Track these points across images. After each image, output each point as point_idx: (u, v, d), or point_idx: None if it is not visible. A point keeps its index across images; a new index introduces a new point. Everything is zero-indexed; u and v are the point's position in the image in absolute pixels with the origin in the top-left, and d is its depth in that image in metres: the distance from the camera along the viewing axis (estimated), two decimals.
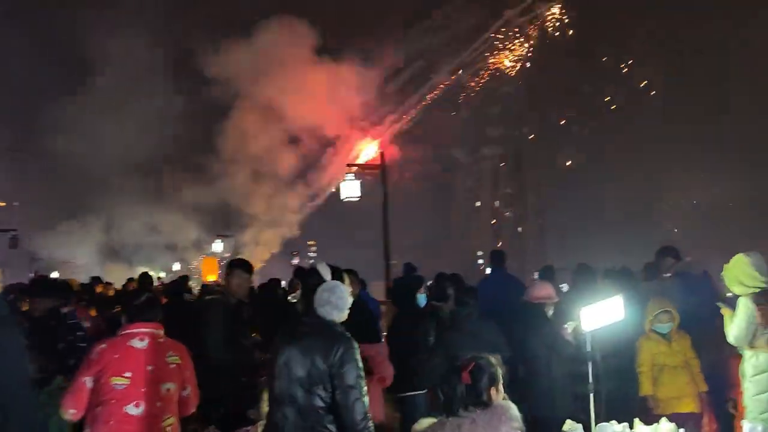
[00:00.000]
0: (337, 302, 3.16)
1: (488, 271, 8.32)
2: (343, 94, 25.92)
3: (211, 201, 27.60)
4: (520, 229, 68.89)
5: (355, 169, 14.07)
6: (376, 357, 4.37)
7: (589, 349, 4.62)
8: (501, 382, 2.73)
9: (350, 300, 3.25)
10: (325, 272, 3.31)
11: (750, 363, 4.26)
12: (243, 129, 25.94)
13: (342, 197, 14.20)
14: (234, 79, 25.10)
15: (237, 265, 5.19)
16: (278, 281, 9.33)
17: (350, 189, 13.74)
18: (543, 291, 5.28)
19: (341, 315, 3.19)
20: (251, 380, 4.69)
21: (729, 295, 7.16)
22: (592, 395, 4.57)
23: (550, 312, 5.29)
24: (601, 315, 4.56)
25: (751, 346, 4.25)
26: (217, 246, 29.76)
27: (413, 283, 5.93)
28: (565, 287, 6.47)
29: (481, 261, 65.07)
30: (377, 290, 11.93)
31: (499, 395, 2.70)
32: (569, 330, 5.28)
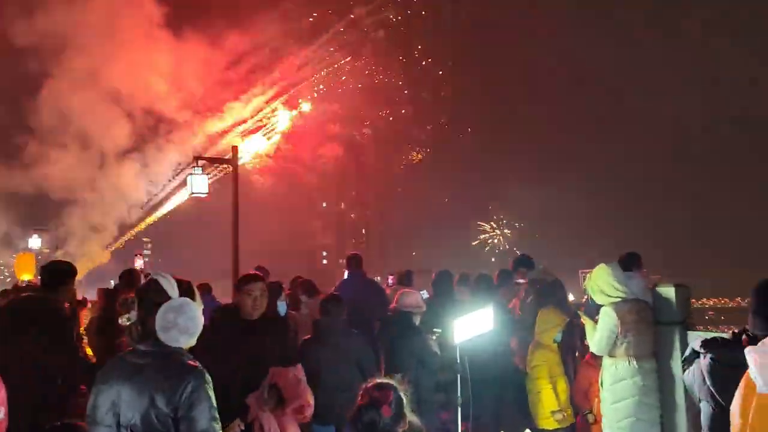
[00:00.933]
0: (186, 325, 2.47)
1: (345, 275, 7.96)
2: (190, 77, 24.16)
3: (25, 190, 24.11)
4: (363, 230, 70.32)
5: (203, 162, 13.01)
6: (291, 382, 3.50)
7: (458, 360, 4.50)
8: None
9: (201, 321, 2.55)
10: (169, 287, 2.59)
11: (609, 372, 4.36)
12: (65, 105, 22.78)
13: (190, 192, 13.05)
14: (52, 47, 22.00)
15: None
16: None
17: (198, 184, 12.69)
18: (412, 299, 5.06)
19: (190, 341, 2.51)
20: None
21: (572, 300, 7.59)
22: (459, 408, 4.46)
23: (417, 321, 5.09)
24: (471, 326, 4.46)
25: (611, 354, 4.35)
26: (34, 242, 26.34)
27: (272, 291, 5.40)
28: (424, 294, 6.33)
29: (325, 261, 65.36)
30: (224, 292, 11.13)
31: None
32: (435, 339, 5.17)
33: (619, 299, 4.34)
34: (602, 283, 4.44)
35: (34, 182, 23.40)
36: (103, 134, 23.57)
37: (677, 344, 4.32)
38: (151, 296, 2.52)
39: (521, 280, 6.48)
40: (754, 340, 2.44)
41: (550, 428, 4.96)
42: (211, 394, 2.42)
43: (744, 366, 2.38)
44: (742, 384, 1.93)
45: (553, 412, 4.91)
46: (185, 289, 2.66)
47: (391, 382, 2.51)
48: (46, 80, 22.81)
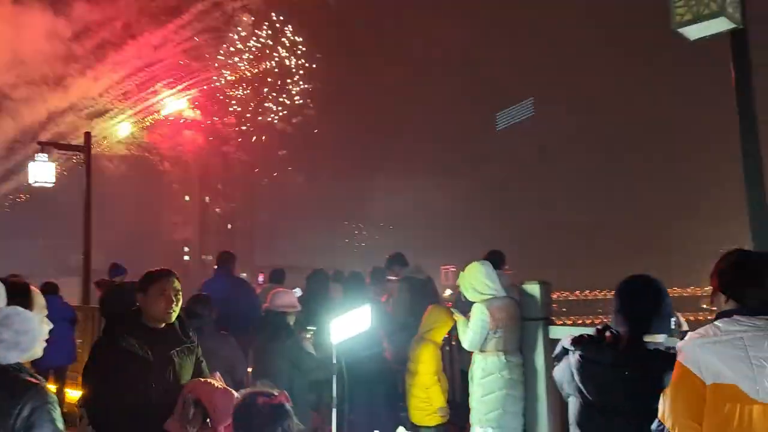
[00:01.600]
0: (16, 340, 2.13)
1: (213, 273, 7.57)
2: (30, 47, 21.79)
3: None
4: (230, 225, 68.07)
5: (49, 148, 11.72)
6: (218, 396, 2.89)
7: (335, 361, 4.41)
8: None
9: (40, 330, 2.20)
10: None
11: (479, 366, 4.51)
12: None
13: (31, 181, 11.63)
14: None
15: None
16: None
17: (41, 172, 11.38)
18: (286, 299, 4.88)
19: (24, 356, 2.16)
20: None
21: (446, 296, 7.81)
22: (334, 410, 4.37)
23: (292, 321, 4.92)
24: (348, 326, 4.39)
25: (482, 350, 4.50)
26: None
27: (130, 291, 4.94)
28: (298, 291, 6.18)
29: (187, 257, 62.36)
30: (71, 293, 10.18)
31: None
32: (309, 340, 5.05)
33: (491, 296, 4.50)
34: (475, 281, 4.57)
35: None
36: None
37: (541, 339, 4.56)
38: None
39: (393, 278, 6.56)
40: (617, 338, 2.58)
41: (433, 425, 5.00)
42: (57, 416, 2.09)
43: (608, 363, 2.51)
44: (677, 383, 1.97)
45: (440, 409, 4.97)
46: (20, 293, 2.31)
47: (266, 389, 2.38)
48: None
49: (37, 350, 2.23)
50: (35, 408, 2.03)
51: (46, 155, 11.46)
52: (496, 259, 5.38)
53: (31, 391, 2.07)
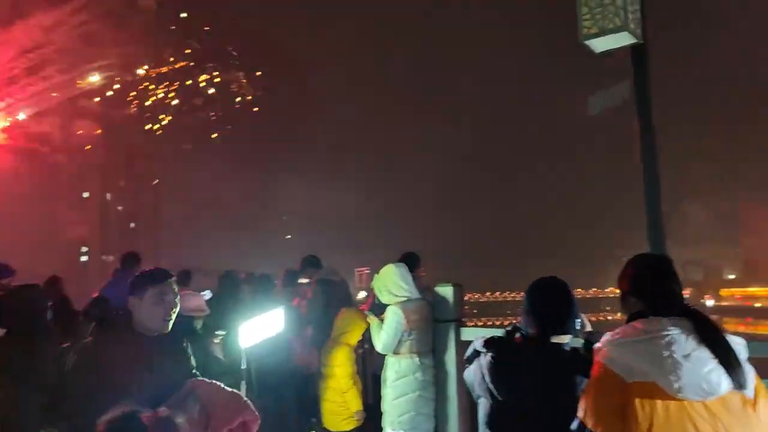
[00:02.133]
0: None
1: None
2: None
3: None
4: (133, 225, 64.84)
5: None
6: (216, 398, 2.69)
7: (244, 366, 4.27)
8: None
9: None
10: None
11: (393, 369, 4.51)
12: None
13: None
14: None
15: None
16: None
17: None
18: (194, 302, 4.67)
19: None
20: None
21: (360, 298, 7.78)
22: None
23: (199, 325, 4.72)
24: (260, 329, 4.27)
25: (395, 352, 4.51)
26: None
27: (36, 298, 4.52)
28: (207, 294, 5.95)
29: (85, 258, 58.84)
30: None
31: None
32: (218, 344, 4.87)
33: (405, 299, 4.51)
34: (390, 283, 4.57)
35: None
36: None
37: (453, 340, 4.63)
38: None
39: (305, 280, 6.45)
40: (526, 339, 2.64)
41: (349, 429, 4.93)
42: None
43: (519, 364, 2.57)
44: (596, 383, 2.01)
45: (357, 412, 4.90)
46: None
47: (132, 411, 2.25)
48: None
49: None
50: None
51: None
52: (411, 261, 5.41)
53: None
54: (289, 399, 5.07)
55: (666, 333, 1.91)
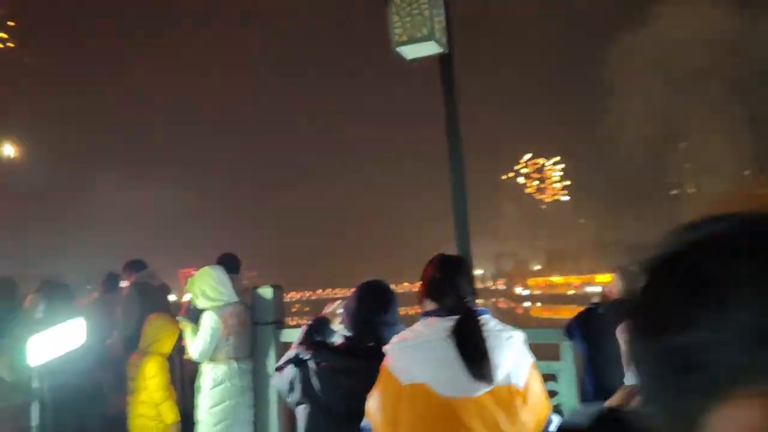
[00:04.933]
0: None
1: None
2: None
3: None
4: None
5: None
6: None
7: (36, 385, 3.81)
8: None
9: None
10: None
11: (209, 376, 4.31)
12: None
13: None
14: None
15: None
16: None
17: None
18: None
19: None
20: None
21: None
22: None
23: None
24: (53, 343, 3.83)
25: (212, 359, 4.31)
26: None
27: None
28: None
29: None
30: None
31: None
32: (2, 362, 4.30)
33: (222, 303, 4.34)
34: (206, 287, 4.36)
35: None
36: None
37: (273, 343, 4.55)
38: None
39: (125, 283, 5.96)
40: (352, 342, 2.64)
41: None
42: None
43: (345, 369, 2.56)
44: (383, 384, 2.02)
45: (173, 425, 4.57)
46: None
47: None
48: None
49: None
50: None
51: None
52: (229, 263, 5.23)
53: None
54: (93, 417, 4.64)
55: (435, 335, 1.99)
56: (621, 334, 2.99)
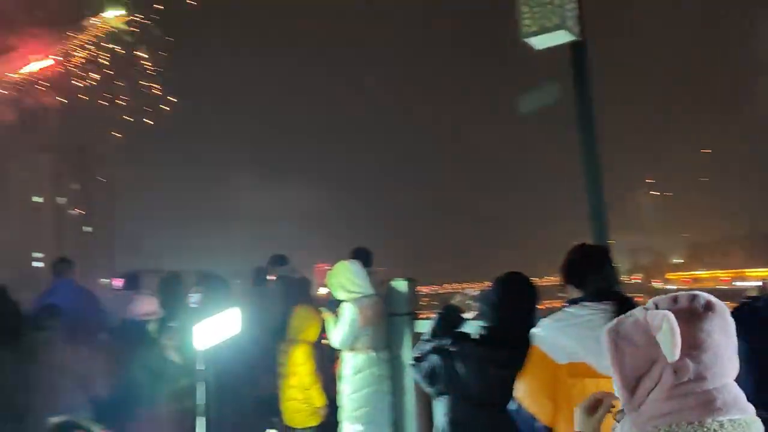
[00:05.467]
0: None
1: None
2: None
3: None
4: (89, 229, 63.15)
5: None
6: None
7: (201, 367, 4.25)
8: None
9: None
10: None
11: (350, 364, 4.56)
12: None
13: None
14: None
15: None
16: None
17: None
18: (148, 306, 4.63)
19: None
20: None
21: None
22: (203, 419, 4.22)
23: (153, 329, 4.69)
24: (214, 330, 4.26)
25: (352, 348, 4.56)
26: None
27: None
28: (196, 296, 5.90)
29: (40, 264, 56.98)
30: None
31: None
32: (172, 346, 4.82)
33: (360, 295, 4.57)
34: (344, 280, 4.61)
35: None
36: None
37: (407, 334, 4.70)
38: None
39: (273, 278, 6.44)
40: (491, 332, 2.70)
41: (315, 424, 4.95)
42: None
43: (482, 358, 2.61)
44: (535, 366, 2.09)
45: (321, 408, 4.94)
46: None
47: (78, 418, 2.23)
48: None
49: None
50: None
51: None
52: (363, 257, 5.46)
53: None
54: (248, 399, 5.07)
55: (595, 315, 2.01)
56: None
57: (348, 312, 4.51)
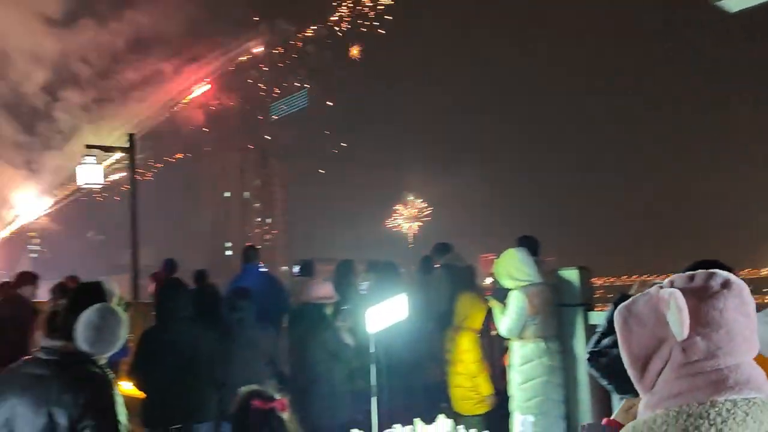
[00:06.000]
0: (109, 333, 2.26)
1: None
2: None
3: None
4: (269, 220, 68.99)
5: (95, 151, 12.10)
6: None
7: (373, 350, 4.45)
8: None
9: (124, 333, 2.34)
10: (110, 293, 2.34)
11: (519, 353, 4.49)
12: None
13: (80, 183, 12.07)
14: None
15: None
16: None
17: (89, 174, 11.78)
18: (324, 290, 4.95)
19: (108, 350, 2.29)
20: None
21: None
22: (375, 399, 4.41)
23: (329, 312, 4.99)
24: (385, 315, 4.42)
25: (521, 337, 4.48)
26: None
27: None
28: (365, 284, 6.29)
29: (229, 252, 63.41)
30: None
31: None
32: (346, 329, 5.10)
33: (528, 283, 4.46)
34: (511, 268, 4.54)
35: None
36: None
37: (580, 325, 4.51)
38: (87, 295, 2.32)
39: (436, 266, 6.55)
40: None
41: (482, 413, 4.99)
42: (118, 407, 2.23)
43: None
44: None
45: (488, 397, 4.97)
46: (96, 292, 2.39)
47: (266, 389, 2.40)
48: None
49: (112, 351, 2.36)
50: (97, 398, 2.18)
51: (93, 157, 11.83)
52: (530, 245, 5.32)
53: (96, 382, 2.22)
54: (417, 383, 5.20)
55: None
56: None
57: (515, 300, 4.43)
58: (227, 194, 67.87)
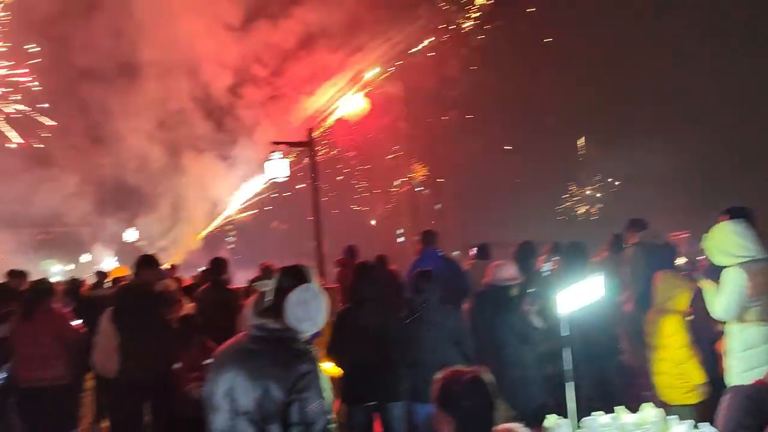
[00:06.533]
0: (315, 311, 2.39)
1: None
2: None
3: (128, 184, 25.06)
4: (439, 206, 69.74)
5: (281, 147, 13.09)
6: None
7: (566, 333, 4.21)
8: None
9: (326, 312, 2.45)
10: (310, 276, 2.48)
11: (739, 338, 3.95)
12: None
13: (267, 177, 13.20)
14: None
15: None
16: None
17: (277, 168, 12.77)
18: (508, 272, 4.79)
19: (313, 328, 2.42)
20: None
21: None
22: (571, 384, 4.18)
23: (515, 294, 4.83)
24: (578, 296, 4.15)
25: (740, 319, 3.94)
26: (130, 235, 27.79)
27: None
28: (546, 267, 6.09)
29: (401, 239, 65.36)
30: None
31: None
32: (534, 312, 4.90)
33: (749, 258, 3.90)
34: (726, 243, 4.00)
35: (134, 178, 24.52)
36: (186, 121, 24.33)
37: None
38: (292, 277, 2.46)
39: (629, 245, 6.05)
40: None
41: (693, 403, 4.53)
42: (323, 383, 2.34)
43: None
44: None
45: (700, 385, 4.49)
46: (299, 275, 2.49)
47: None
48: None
49: (316, 329, 2.47)
50: (307, 374, 2.30)
51: (280, 153, 12.79)
52: (745, 217, 4.68)
53: (306, 359, 2.34)
54: (612, 368, 4.85)
55: None
56: None
57: (733, 278, 3.88)
58: (397, 183, 69.89)
